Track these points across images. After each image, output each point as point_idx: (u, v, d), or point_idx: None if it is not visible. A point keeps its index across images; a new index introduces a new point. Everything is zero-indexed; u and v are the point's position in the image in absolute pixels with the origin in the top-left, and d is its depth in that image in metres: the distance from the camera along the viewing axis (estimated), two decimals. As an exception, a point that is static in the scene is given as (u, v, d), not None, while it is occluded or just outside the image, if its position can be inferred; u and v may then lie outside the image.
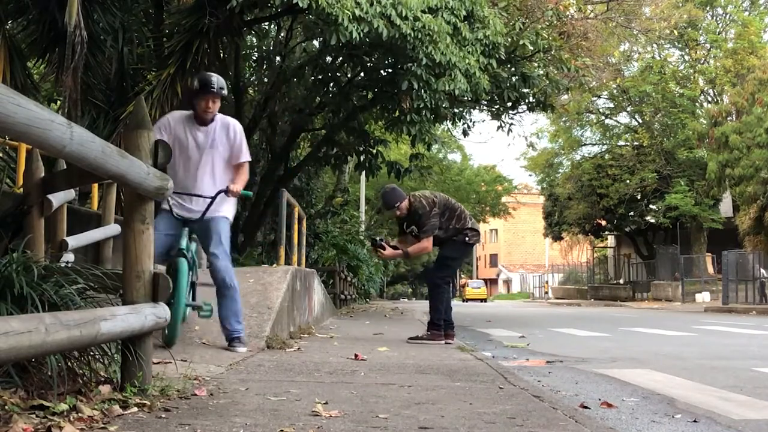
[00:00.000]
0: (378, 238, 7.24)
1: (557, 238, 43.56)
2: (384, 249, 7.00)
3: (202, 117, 4.80)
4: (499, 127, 16.28)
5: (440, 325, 6.87)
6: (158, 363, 3.58)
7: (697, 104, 34.12)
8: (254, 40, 17.66)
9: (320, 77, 15.21)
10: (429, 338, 6.83)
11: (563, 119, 35.21)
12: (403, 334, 7.97)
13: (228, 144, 4.87)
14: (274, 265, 8.05)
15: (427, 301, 7.41)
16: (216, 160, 4.84)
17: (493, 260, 72.83)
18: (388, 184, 8.66)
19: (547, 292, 50.97)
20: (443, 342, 6.74)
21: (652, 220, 36.26)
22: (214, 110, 4.81)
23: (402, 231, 7.15)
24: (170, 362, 3.70)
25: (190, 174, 4.81)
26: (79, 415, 2.44)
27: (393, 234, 30.38)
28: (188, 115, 4.88)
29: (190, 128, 4.82)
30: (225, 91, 4.89)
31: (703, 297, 28.46)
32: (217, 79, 4.81)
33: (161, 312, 3.11)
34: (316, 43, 15.51)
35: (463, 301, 47.92)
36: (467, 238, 6.99)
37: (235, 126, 4.95)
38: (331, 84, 15.13)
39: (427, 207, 6.78)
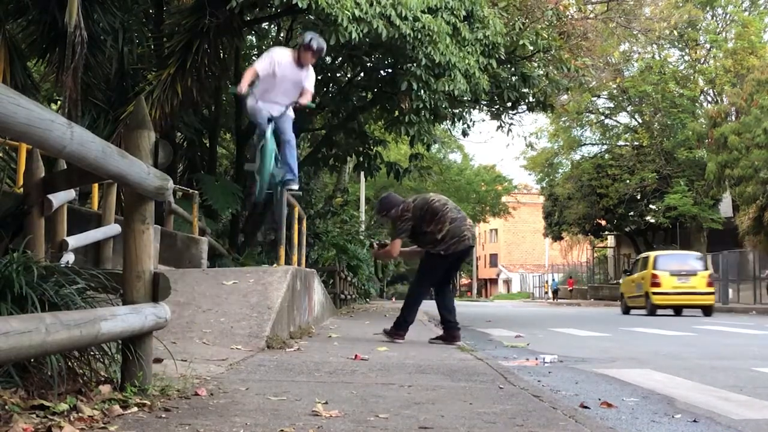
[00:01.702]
0: (377, 241, 7.56)
1: (557, 238, 43.58)
2: (379, 249, 7.66)
3: (302, 62, 7.21)
4: (498, 127, 16.29)
5: (406, 326, 6.95)
6: (158, 361, 3.58)
7: (696, 104, 34.12)
8: (254, 40, 17.67)
9: (320, 77, 15.20)
10: (389, 334, 6.94)
11: (563, 119, 35.22)
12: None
13: (305, 80, 7.34)
14: (275, 265, 8.05)
15: (431, 302, 7.41)
16: (296, 87, 7.33)
17: (493, 260, 72.89)
18: (386, 188, 8.80)
19: (547, 292, 50.88)
20: (401, 341, 6.77)
21: (652, 220, 36.28)
22: (309, 62, 7.25)
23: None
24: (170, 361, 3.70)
25: (280, 92, 7.28)
26: (80, 414, 2.44)
27: (393, 234, 30.42)
28: (293, 55, 7.23)
29: (291, 65, 7.22)
30: (323, 53, 7.53)
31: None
32: (318, 44, 7.18)
33: (161, 312, 3.11)
34: (315, 43, 15.49)
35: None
36: (442, 251, 6.77)
37: (312, 72, 7.38)
38: (331, 84, 15.13)
39: (403, 212, 6.85)
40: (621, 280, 23.53)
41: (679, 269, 18.62)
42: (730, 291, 24.66)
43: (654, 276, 18.28)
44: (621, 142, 38.34)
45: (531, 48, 13.20)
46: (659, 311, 18.22)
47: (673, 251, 23.21)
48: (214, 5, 10.81)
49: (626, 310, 20.12)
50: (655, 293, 18.12)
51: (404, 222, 6.84)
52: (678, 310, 18.66)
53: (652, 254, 20.16)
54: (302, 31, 10.11)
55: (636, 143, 36.37)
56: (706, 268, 19.58)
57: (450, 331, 6.91)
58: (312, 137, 18.02)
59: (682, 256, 20.42)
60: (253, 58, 18.10)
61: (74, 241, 5.44)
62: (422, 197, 7.09)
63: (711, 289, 18.49)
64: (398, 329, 6.94)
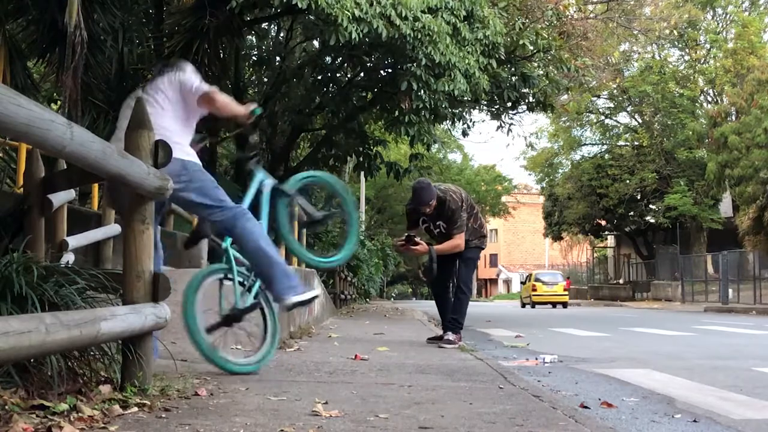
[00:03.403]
0: (412, 235, 6.58)
1: (557, 238, 43.57)
2: (417, 245, 6.45)
3: None
4: (498, 127, 16.28)
5: (461, 327, 6.69)
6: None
7: (696, 104, 34.13)
8: (254, 40, 17.66)
9: (320, 77, 15.21)
10: (456, 340, 6.49)
11: (563, 119, 35.22)
12: (403, 334, 7.97)
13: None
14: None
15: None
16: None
17: (493, 260, 72.85)
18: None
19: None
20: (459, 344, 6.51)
21: (652, 220, 36.30)
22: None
23: (413, 226, 6.73)
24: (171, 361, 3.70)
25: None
26: (80, 414, 2.44)
27: (393, 234, 30.40)
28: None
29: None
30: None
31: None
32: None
33: (161, 312, 3.11)
34: (315, 43, 15.51)
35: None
36: (482, 243, 6.73)
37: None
38: (331, 84, 15.13)
39: (459, 202, 6.42)
40: (520, 287, 36.82)
41: (548, 281, 31.00)
42: (730, 291, 24.64)
43: (534, 286, 31.17)
44: (621, 142, 38.35)
45: (531, 48, 13.19)
46: (537, 306, 30.07)
47: (545, 271, 35.76)
48: (214, 5, 10.80)
49: (523, 305, 32.35)
50: (534, 295, 30.85)
51: (464, 213, 6.43)
52: (554, 305, 29.84)
53: (534, 273, 33.74)
54: (302, 30, 9.87)
55: (636, 143, 36.38)
56: (564, 281, 31.53)
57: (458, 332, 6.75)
58: (312, 137, 18.02)
59: (551, 274, 33.07)
60: (253, 58, 18.13)
61: (74, 241, 5.43)
62: (457, 188, 6.72)
63: (566, 293, 30.61)
64: (456, 331, 6.58)
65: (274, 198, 4.32)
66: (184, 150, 3.83)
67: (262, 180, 4.26)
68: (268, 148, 17.84)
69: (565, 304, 29.50)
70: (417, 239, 6.47)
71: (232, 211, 3.86)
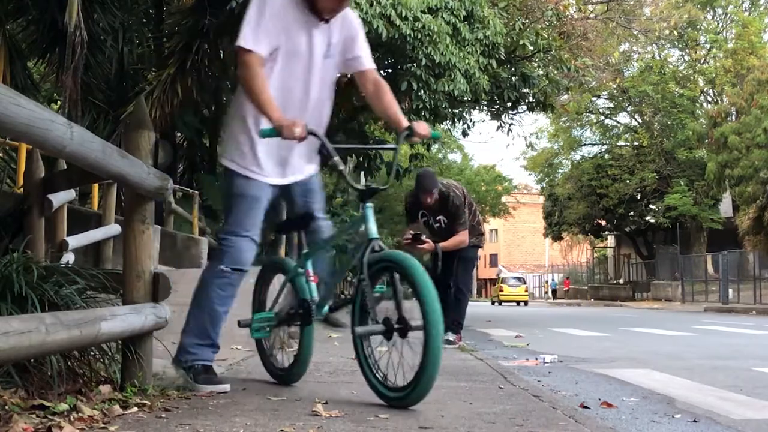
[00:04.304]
0: (418, 234, 6.31)
1: (557, 238, 43.59)
2: (424, 244, 6.11)
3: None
4: (498, 127, 16.29)
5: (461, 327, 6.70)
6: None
7: (696, 104, 34.14)
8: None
9: (320, 78, 15.20)
10: (456, 340, 6.48)
11: (563, 119, 35.23)
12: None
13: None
14: (274, 265, 8.03)
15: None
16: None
17: (493, 260, 72.82)
18: (426, 167, 8.01)
19: (547, 292, 50.89)
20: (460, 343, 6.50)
21: (652, 220, 36.30)
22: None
23: (413, 220, 6.60)
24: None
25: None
26: (80, 414, 2.44)
27: (393, 233, 30.34)
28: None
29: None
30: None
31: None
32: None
33: (161, 312, 3.11)
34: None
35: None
36: (480, 242, 6.70)
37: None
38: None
39: (462, 197, 6.34)
40: (493, 288, 43.51)
41: (512, 284, 38.74)
42: (731, 291, 24.63)
43: (501, 287, 38.70)
44: (621, 142, 38.36)
45: (531, 48, 13.20)
46: (504, 303, 36.55)
47: (511, 276, 41.56)
48: (214, 5, 10.81)
49: (492, 303, 39.11)
50: (501, 295, 38.04)
51: (465, 210, 6.34)
52: (517, 303, 36.59)
53: (501, 276, 41.65)
54: None
55: (636, 143, 36.39)
56: (524, 284, 39.67)
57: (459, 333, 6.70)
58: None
59: (515, 278, 40.13)
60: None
61: (74, 241, 5.44)
62: (452, 184, 6.58)
63: (526, 293, 38.84)
64: (456, 331, 6.55)
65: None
66: None
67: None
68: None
69: (526, 303, 37.50)
70: (423, 237, 6.28)
71: None
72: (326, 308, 3.41)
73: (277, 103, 3.11)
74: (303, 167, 3.47)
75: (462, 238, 6.38)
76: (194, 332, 3.38)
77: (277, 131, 3.01)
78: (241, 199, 3.28)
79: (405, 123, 3.31)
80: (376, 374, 3.11)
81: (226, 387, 3.24)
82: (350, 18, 3.40)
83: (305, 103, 3.32)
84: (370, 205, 3.15)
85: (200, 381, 3.24)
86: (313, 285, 3.41)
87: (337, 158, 3.17)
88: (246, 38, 3.11)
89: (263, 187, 3.33)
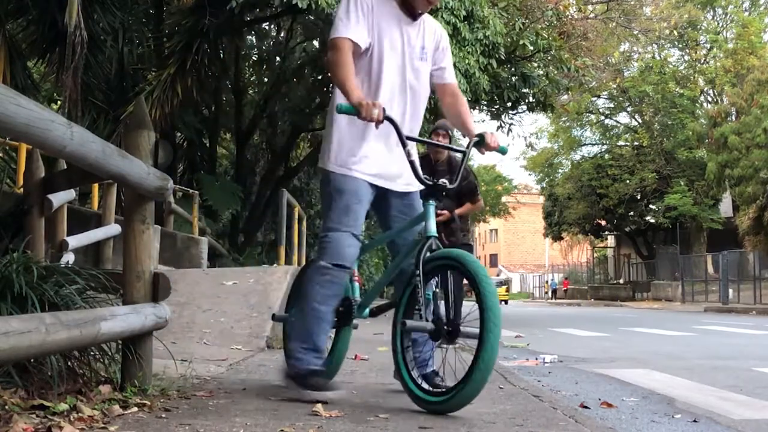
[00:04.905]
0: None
1: (557, 238, 43.59)
2: (440, 215, 5.61)
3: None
4: (498, 127, 16.29)
5: None
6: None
7: (696, 104, 34.14)
8: (254, 40, 17.66)
9: (320, 77, 15.21)
10: None
11: (563, 119, 35.23)
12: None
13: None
14: (274, 265, 8.05)
15: None
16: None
17: (493, 260, 72.85)
18: None
19: (547, 292, 50.93)
20: None
21: (652, 220, 36.30)
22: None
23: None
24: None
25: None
26: (80, 414, 2.44)
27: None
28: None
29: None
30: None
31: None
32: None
33: (161, 312, 3.11)
34: (315, 43, 15.52)
35: None
36: (469, 240, 6.69)
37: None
38: (331, 84, 15.12)
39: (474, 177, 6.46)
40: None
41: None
42: (731, 291, 24.63)
43: None
44: (621, 142, 38.37)
45: (531, 48, 13.20)
46: None
47: (492, 278, 47.29)
48: (214, 5, 10.81)
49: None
50: None
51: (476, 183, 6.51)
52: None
53: None
54: (302, 30, 9.74)
55: (636, 143, 36.39)
56: (505, 285, 46.45)
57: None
58: (312, 137, 18.03)
59: (497, 281, 42.11)
60: (253, 58, 18.14)
61: (74, 241, 5.44)
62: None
63: (507, 293, 44.50)
64: None
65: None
66: None
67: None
68: (268, 147, 17.87)
69: (506, 302, 39.54)
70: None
71: None
72: (367, 311, 3.37)
73: (374, 96, 3.13)
74: (408, 178, 3.27)
75: (478, 204, 6.44)
76: (298, 336, 3.28)
77: (356, 109, 2.95)
78: (340, 195, 3.18)
79: (475, 132, 3.33)
80: (411, 372, 3.03)
81: (334, 394, 3.07)
82: (440, 29, 3.47)
83: (403, 97, 3.27)
84: (432, 202, 3.09)
85: (307, 387, 3.10)
86: (356, 285, 3.38)
87: (409, 147, 3.11)
88: (338, 29, 3.15)
89: (362, 184, 3.21)
